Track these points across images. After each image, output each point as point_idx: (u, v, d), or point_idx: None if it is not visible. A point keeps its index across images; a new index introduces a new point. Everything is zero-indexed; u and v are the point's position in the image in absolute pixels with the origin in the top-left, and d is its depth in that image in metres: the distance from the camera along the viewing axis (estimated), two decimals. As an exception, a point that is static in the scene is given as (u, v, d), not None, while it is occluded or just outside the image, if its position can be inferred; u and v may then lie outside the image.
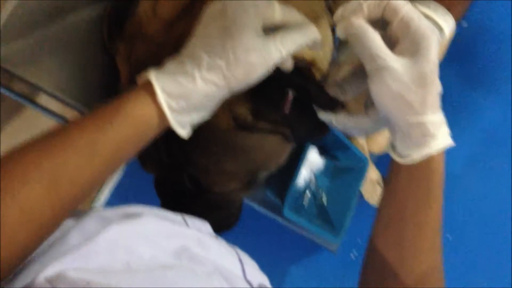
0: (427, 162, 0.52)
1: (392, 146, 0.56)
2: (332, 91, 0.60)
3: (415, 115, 0.51)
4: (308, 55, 0.64)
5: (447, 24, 0.60)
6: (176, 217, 0.58)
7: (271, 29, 0.52)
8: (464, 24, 1.45)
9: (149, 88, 0.47)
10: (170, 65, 0.49)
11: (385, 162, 1.47)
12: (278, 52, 0.50)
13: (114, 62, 0.69)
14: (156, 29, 0.64)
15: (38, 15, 0.60)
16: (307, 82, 0.60)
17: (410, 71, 0.50)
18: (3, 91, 0.93)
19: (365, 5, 0.53)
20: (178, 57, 0.50)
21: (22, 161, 0.41)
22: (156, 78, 0.47)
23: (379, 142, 1.28)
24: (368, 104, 0.60)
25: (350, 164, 1.23)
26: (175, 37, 0.63)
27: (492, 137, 1.46)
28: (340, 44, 0.78)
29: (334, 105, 0.60)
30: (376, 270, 0.57)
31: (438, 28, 0.59)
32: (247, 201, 1.03)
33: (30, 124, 1.50)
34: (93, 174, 0.44)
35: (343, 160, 1.23)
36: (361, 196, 1.41)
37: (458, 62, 1.48)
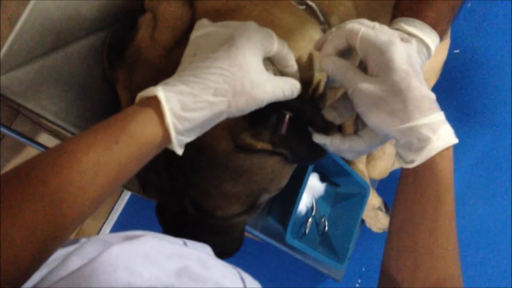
0: (431, 165, 0.53)
1: (398, 154, 0.57)
2: (329, 114, 0.62)
3: (403, 122, 0.52)
4: (305, 76, 0.65)
5: (433, 41, 0.63)
6: (177, 240, 0.58)
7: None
8: (456, 50, 1.48)
9: (156, 107, 0.47)
10: (176, 84, 0.49)
11: (386, 188, 1.47)
12: (273, 93, 0.54)
13: (115, 90, 0.70)
14: (155, 56, 0.65)
15: (39, 45, 0.62)
16: (303, 105, 0.61)
17: (382, 85, 0.53)
18: (3, 130, 0.94)
19: (329, 39, 0.59)
20: (182, 75, 0.51)
21: (27, 179, 0.40)
22: (166, 99, 0.47)
23: (379, 167, 1.28)
24: (359, 126, 0.62)
25: (351, 191, 1.23)
26: (174, 63, 0.63)
27: (489, 162, 1.46)
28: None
29: (329, 128, 0.61)
30: (391, 278, 0.57)
31: (425, 47, 0.61)
32: (249, 229, 1.02)
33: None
34: (96, 193, 0.44)
35: (344, 186, 1.23)
36: (363, 223, 1.40)
37: (452, 88, 1.49)
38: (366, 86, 0.53)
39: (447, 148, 0.53)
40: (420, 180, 0.54)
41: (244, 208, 0.70)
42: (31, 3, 0.59)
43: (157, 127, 0.48)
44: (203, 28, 0.56)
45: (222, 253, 0.79)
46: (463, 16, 1.49)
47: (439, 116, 0.53)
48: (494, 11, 1.50)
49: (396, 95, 0.52)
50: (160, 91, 0.48)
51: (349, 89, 0.56)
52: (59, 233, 0.41)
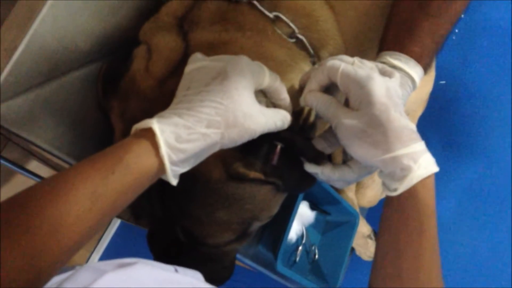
0: (414, 193, 0.55)
1: (383, 183, 0.59)
2: (319, 144, 0.63)
3: (385, 153, 0.54)
4: (296, 106, 0.67)
5: (418, 74, 0.65)
6: (168, 266, 0.59)
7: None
8: (442, 81, 1.51)
9: (151, 138, 0.49)
10: (171, 117, 0.51)
11: (375, 217, 1.48)
12: (265, 124, 0.56)
13: (109, 119, 0.71)
14: (149, 86, 0.66)
15: (35, 74, 0.63)
16: (294, 136, 0.63)
17: (362, 118, 0.55)
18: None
19: (312, 76, 0.61)
20: (176, 108, 0.53)
21: (25, 208, 0.41)
22: (161, 131, 0.49)
23: (369, 196, 1.29)
24: (348, 156, 0.64)
25: (341, 219, 1.23)
26: (167, 93, 0.65)
27: (478, 190, 1.48)
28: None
29: (320, 159, 0.63)
30: None
31: (410, 79, 0.64)
32: (240, 257, 1.02)
33: (20, 188, 1.49)
34: (92, 221, 0.45)
35: (334, 214, 1.24)
36: (353, 251, 1.41)
37: (440, 117, 1.52)
38: (348, 119, 0.56)
39: (429, 176, 0.55)
40: (403, 207, 0.56)
41: (235, 236, 0.71)
42: (29, 34, 0.60)
43: (152, 158, 0.49)
44: (197, 62, 0.58)
45: (213, 280, 0.79)
46: (448, 48, 1.53)
47: (420, 146, 0.55)
48: (478, 43, 1.54)
49: (376, 128, 0.54)
50: (155, 123, 0.49)
51: (333, 123, 0.58)
52: (55, 261, 0.42)
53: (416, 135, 0.56)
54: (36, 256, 0.40)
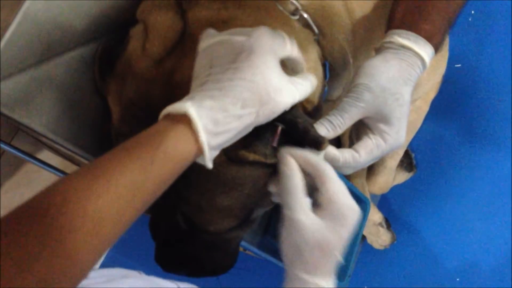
0: None
1: None
2: (322, 127, 0.61)
3: (306, 273, 0.55)
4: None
5: (428, 54, 0.62)
6: (166, 283, 0.58)
7: None
8: (457, 65, 1.47)
9: (187, 124, 0.47)
10: (204, 100, 0.48)
11: (388, 204, 1.45)
12: (297, 94, 0.55)
13: (105, 101, 0.69)
14: (145, 66, 0.64)
15: (28, 55, 0.61)
16: (296, 117, 0.60)
17: (317, 232, 0.54)
18: (3, 146, 0.93)
19: (299, 153, 0.58)
20: (206, 90, 0.50)
21: (66, 209, 0.39)
22: (199, 117, 0.47)
23: (380, 182, 1.26)
24: (354, 140, 0.61)
25: (352, 206, 1.21)
26: (165, 73, 0.63)
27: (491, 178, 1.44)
28: (331, 80, 0.78)
29: (320, 143, 0.60)
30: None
31: (420, 59, 0.61)
32: (246, 245, 1.00)
33: (30, 178, 1.49)
34: (133, 213, 0.44)
35: (344, 201, 1.21)
36: (364, 239, 1.38)
37: (454, 102, 1.48)
38: (308, 223, 0.54)
39: None
40: None
41: (237, 222, 0.69)
42: (20, 13, 0.58)
43: (190, 145, 0.47)
44: (213, 38, 0.55)
45: (216, 269, 0.77)
46: (464, 31, 1.49)
47: (332, 284, 0.56)
48: (495, 26, 1.50)
49: (320, 250, 0.54)
50: (191, 108, 0.47)
51: (286, 210, 0.56)
52: (98, 256, 0.42)
53: (333, 274, 0.57)
54: (79, 256, 0.39)
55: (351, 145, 0.65)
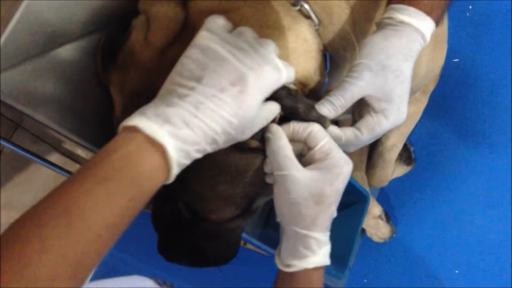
0: (307, 274, 0.60)
1: (278, 253, 0.63)
2: (323, 107, 0.61)
3: (304, 228, 0.58)
4: (300, 75, 0.64)
5: (428, 29, 0.62)
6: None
7: None
8: (455, 59, 1.48)
9: (161, 151, 0.47)
10: (179, 126, 0.48)
11: (387, 197, 1.46)
12: (262, 123, 0.56)
13: (108, 92, 0.69)
14: (148, 57, 0.64)
15: (31, 46, 0.61)
16: (296, 104, 0.60)
17: (312, 186, 0.56)
18: (3, 143, 0.93)
19: (292, 125, 0.60)
20: (183, 107, 0.49)
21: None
22: (174, 149, 0.47)
23: (379, 175, 1.27)
24: (356, 118, 0.61)
25: (352, 199, 1.21)
26: (167, 63, 0.63)
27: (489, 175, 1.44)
28: (331, 71, 0.78)
29: (321, 124, 0.61)
30: None
31: (420, 35, 0.61)
32: (247, 237, 1.01)
33: (29, 175, 1.49)
34: (109, 247, 0.45)
35: (344, 194, 1.21)
36: (364, 232, 1.39)
37: (452, 96, 1.48)
38: (302, 177, 0.57)
39: (322, 267, 0.61)
40: (295, 284, 0.61)
41: (239, 211, 0.69)
42: (23, 4, 0.58)
43: (165, 174, 0.48)
44: (214, 36, 0.53)
45: (218, 259, 0.78)
46: (462, 26, 1.49)
47: (327, 238, 0.61)
48: (493, 20, 1.50)
49: (317, 204, 0.57)
50: (166, 137, 0.47)
51: (278, 170, 0.58)
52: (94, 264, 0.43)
53: (329, 227, 0.61)
54: (79, 261, 0.41)
55: (353, 123, 0.65)
